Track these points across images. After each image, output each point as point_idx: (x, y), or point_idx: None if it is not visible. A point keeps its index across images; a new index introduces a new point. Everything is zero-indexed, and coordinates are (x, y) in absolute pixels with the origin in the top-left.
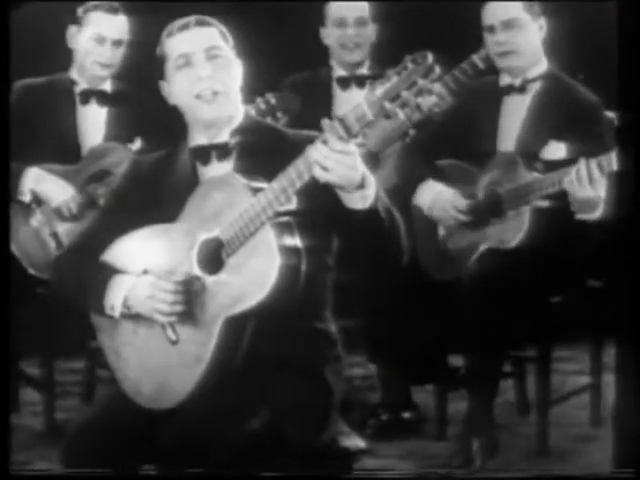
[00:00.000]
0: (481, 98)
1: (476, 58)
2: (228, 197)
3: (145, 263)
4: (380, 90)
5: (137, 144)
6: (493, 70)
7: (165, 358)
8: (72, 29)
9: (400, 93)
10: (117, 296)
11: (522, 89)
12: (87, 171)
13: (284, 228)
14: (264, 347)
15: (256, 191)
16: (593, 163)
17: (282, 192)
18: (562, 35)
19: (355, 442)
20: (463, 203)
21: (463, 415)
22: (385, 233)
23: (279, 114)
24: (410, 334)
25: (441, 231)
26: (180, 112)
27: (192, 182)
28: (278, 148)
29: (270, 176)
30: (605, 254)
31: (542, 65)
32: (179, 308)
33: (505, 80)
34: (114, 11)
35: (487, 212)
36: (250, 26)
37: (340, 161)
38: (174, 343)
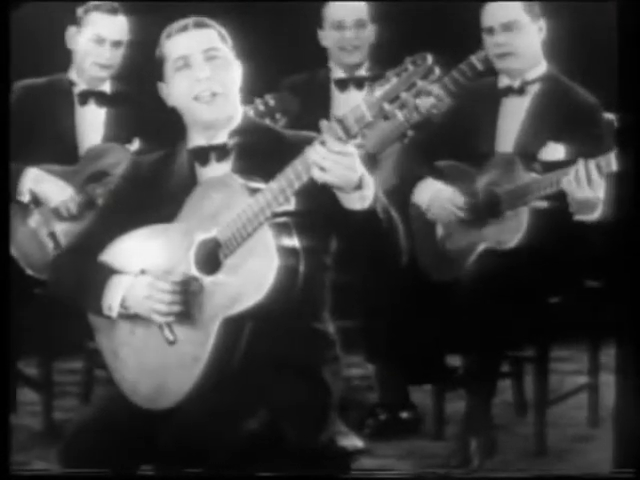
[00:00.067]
0: (480, 99)
1: (474, 59)
2: (226, 198)
3: (143, 263)
4: (379, 91)
5: (135, 145)
6: (492, 71)
7: (163, 358)
8: (71, 30)
9: (399, 94)
10: (115, 296)
11: (521, 91)
12: (85, 172)
13: (282, 229)
14: (262, 347)
15: (254, 192)
16: (592, 164)
17: (280, 193)
18: (562, 36)
19: (353, 442)
20: (462, 200)
21: (461, 415)
22: (383, 234)
23: (278, 115)
24: (408, 334)
25: (440, 231)
26: (179, 113)
27: (190, 183)
28: (277, 149)
29: (268, 177)
30: (604, 255)
31: (541, 67)
32: (177, 308)
33: (504, 82)
34: (113, 12)
35: (485, 212)
36: (249, 27)
37: (338, 162)
38: (172, 343)
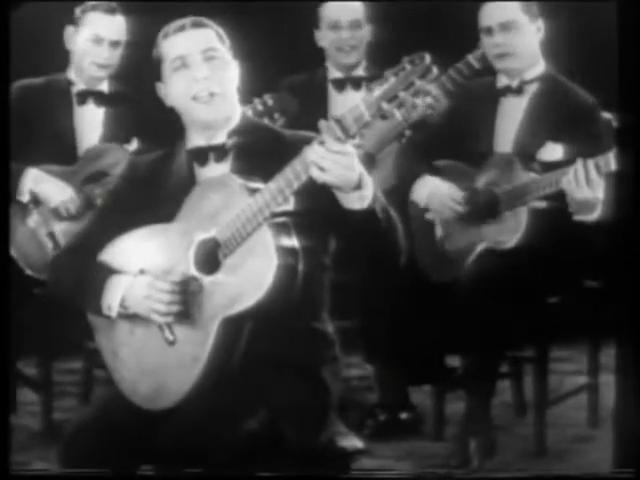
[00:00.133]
0: (478, 99)
1: (471, 58)
2: (225, 198)
3: (142, 263)
4: (378, 91)
5: (134, 145)
6: (489, 70)
7: (162, 358)
8: (69, 29)
9: (398, 94)
10: (114, 296)
11: (519, 90)
12: (84, 172)
13: (281, 229)
14: (261, 347)
15: (253, 192)
16: (590, 164)
17: (279, 193)
18: (562, 36)
19: (353, 442)
20: (460, 195)
21: (461, 415)
22: (382, 233)
23: (276, 115)
24: (408, 334)
25: (439, 232)
26: (177, 113)
27: (189, 183)
28: (275, 149)
29: (267, 177)
30: (603, 255)
31: (539, 67)
32: (176, 308)
33: (502, 81)
34: (112, 11)
35: (484, 212)
36: (247, 27)
37: (337, 162)
38: (171, 343)
